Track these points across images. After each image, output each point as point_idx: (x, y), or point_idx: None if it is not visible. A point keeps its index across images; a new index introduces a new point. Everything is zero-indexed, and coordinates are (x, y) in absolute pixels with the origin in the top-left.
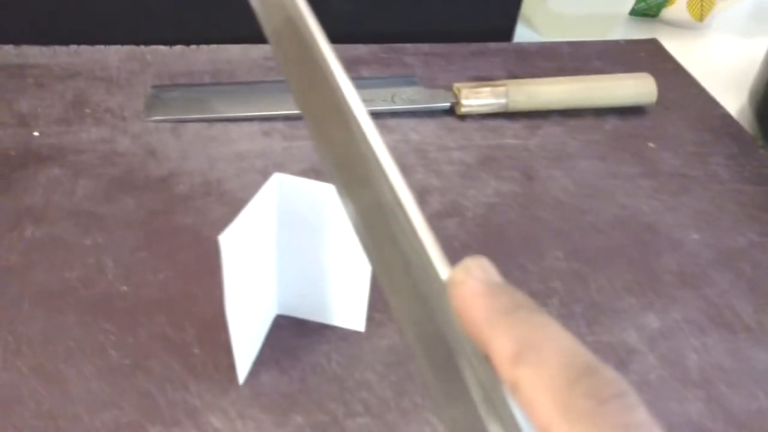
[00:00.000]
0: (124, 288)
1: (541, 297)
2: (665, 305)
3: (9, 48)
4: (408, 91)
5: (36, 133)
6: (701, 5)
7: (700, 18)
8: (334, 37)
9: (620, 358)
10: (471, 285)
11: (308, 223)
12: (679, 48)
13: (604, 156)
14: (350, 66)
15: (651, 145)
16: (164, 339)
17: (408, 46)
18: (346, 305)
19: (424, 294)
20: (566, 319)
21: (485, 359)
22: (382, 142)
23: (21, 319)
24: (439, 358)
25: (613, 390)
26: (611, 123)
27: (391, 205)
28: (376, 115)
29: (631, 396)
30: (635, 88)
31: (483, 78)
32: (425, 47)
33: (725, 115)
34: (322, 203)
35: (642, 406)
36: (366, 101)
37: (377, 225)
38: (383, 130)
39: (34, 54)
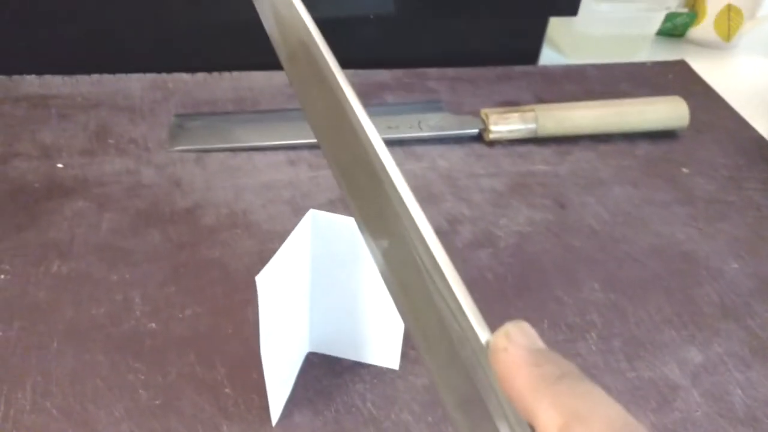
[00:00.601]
0: (153, 325)
1: (579, 331)
2: (707, 338)
3: (32, 78)
4: (435, 118)
5: (60, 165)
6: (728, 25)
7: (728, 38)
8: (358, 63)
9: (663, 395)
10: (514, 352)
11: (341, 259)
12: (706, 68)
13: (636, 182)
14: (374, 91)
15: (684, 170)
16: (195, 378)
17: (432, 70)
18: (380, 342)
19: (461, 356)
20: (605, 354)
21: (528, 426)
22: (407, 188)
23: (50, 358)
24: (477, 421)
25: None
26: (643, 148)
27: (425, 263)
28: (402, 142)
29: None
30: (667, 111)
31: (509, 102)
32: (450, 72)
33: (759, 138)
34: (356, 239)
35: None
36: (392, 128)
37: (411, 284)
38: (410, 157)
39: (57, 84)
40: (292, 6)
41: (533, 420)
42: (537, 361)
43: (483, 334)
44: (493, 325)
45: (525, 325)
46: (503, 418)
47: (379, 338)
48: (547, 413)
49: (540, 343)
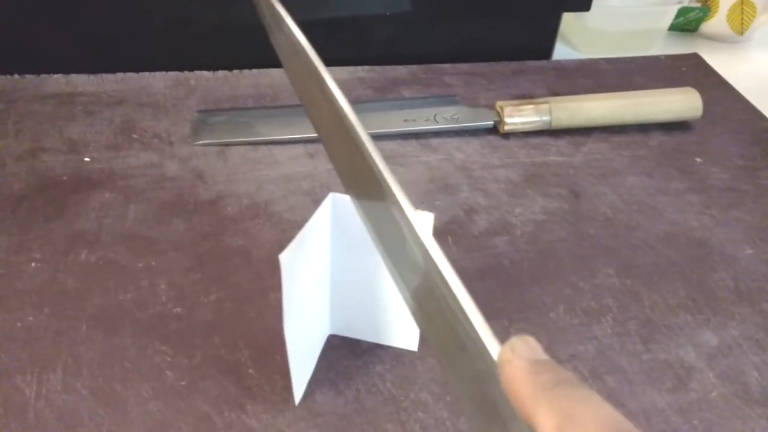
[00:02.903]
0: (178, 310)
1: (595, 315)
2: (722, 321)
3: (59, 77)
4: (450, 111)
5: (87, 159)
6: (741, 18)
7: (741, 31)
8: (376, 59)
9: (679, 376)
10: (517, 363)
11: (361, 242)
12: (719, 62)
13: (650, 172)
14: (391, 86)
15: (698, 159)
16: (219, 360)
17: (447, 66)
18: (399, 325)
19: (479, 372)
20: (621, 336)
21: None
22: (413, 212)
23: (79, 342)
24: (492, 424)
25: None
26: (656, 138)
27: (440, 288)
28: (419, 135)
29: None
30: (680, 103)
31: (524, 96)
32: (465, 67)
33: None
34: None
35: None
36: (408, 121)
37: (427, 306)
38: (427, 149)
39: (83, 82)
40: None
41: (533, 423)
42: (537, 370)
43: (495, 349)
44: (507, 311)
45: (529, 339)
46: (516, 426)
47: (398, 321)
48: (544, 416)
49: (542, 355)
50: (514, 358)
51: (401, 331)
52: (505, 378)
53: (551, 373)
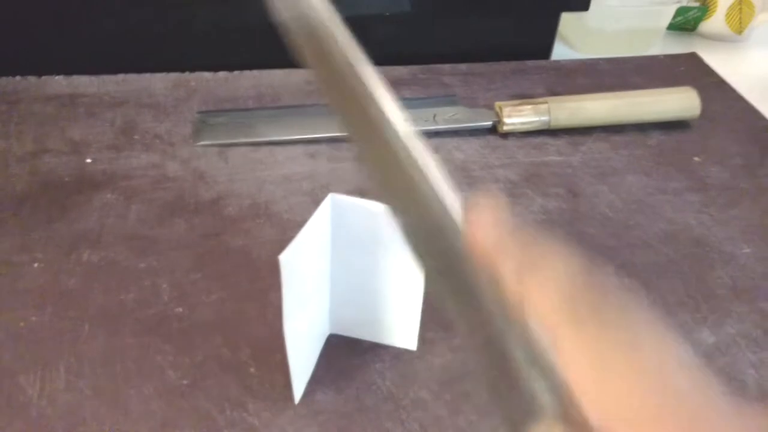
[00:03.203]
0: (180, 309)
1: None
2: (720, 320)
3: (60, 78)
4: (449, 111)
5: (89, 160)
6: (740, 18)
7: (739, 31)
8: (375, 59)
9: None
10: (482, 215)
11: (361, 242)
12: (718, 61)
13: (649, 171)
14: (390, 87)
15: (696, 159)
16: (220, 359)
17: (446, 66)
18: (399, 324)
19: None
20: None
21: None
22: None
23: (82, 341)
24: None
25: (612, 295)
26: (655, 138)
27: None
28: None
29: (631, 302)
30: (678, 102)
31: (523, 96)
32: (464, 67)
33: None
34: (376, 222)
35: (642, 310)
36: (407, 121)
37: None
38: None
39: (84, 83)
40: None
41: (497, 272)
42: (500, 222)
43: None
44: None
45: (494, 197)
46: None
47: (397, 320)
48: (507, 262)
49: (506, 209)
50: (479, 207)
51: (400, 330)
52: (469, 236)
53: (513, 223)
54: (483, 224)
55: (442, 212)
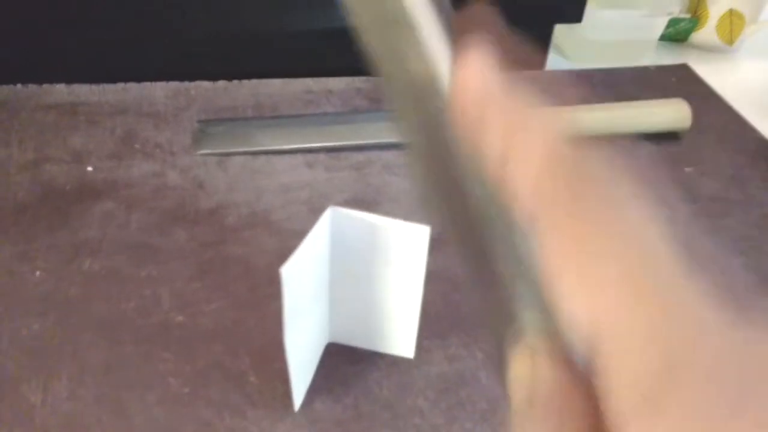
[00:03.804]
0: (180, 318)
1: None
2: None
3: (61, 87)
4: None
5: (89, 168)
6: (731, 29)
7: (730, 42)
8: (370, 70)
9: None
10: (469, 75)
11: (360, 253)
12: (709, 72)
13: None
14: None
15: (687, 170)
16: (221, 367)
17: None
18: (396, 333)
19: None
20: None
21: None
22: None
23: (84, 349)
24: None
25: (591, 179)
26: (646, 149)
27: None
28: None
29: (611, 184)
30: (669, 114)
31: None
32: None
33: (761, 139)
34: (374, 234)
35: (627, 187)
36: (387, 133)
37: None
38: None
39: (85, 92)
40: None
41: (479, 137)
42: (488, 80)
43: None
44: None
45: (486, 50)
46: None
47: (395, 329)
48: (489, 128)
49: (498, 70)
50: (468, 66)
51: (398, 338)
52: (454, 87)
53: (504, 81)
54: (470, 80)
55: (430, 67)
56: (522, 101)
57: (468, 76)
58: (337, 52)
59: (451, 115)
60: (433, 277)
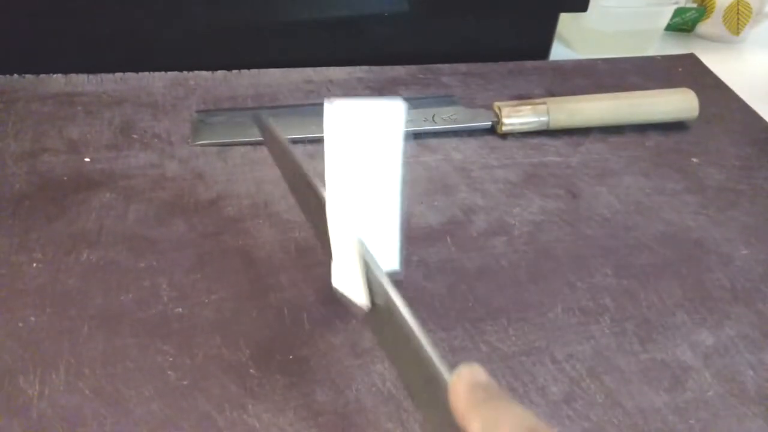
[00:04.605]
0: (179, 310)
1: (593, 314)
2: (718, 321)
3: (58, 77)
4: (449, 111)
5: (87, 159)
6: (737, 19)
7: (737, 32)
8: (374, 59)
9: (675, 376)
10: (459, 385)
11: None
12: (715, 62)
13: (647, 172)
14: (389, 87)
15: (694, 160)
16: (221, 360)
17: (445, 66)
18: (378, 244)
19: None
20: (618, 336)
21: None
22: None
23: (82, 342)
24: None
25: None
26: (653, 139)
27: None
28: (417, 136)
29: None
30: (677, 103)
31: (521, 96)
32: (462, 67)
33: None
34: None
35: None
36: (407, 121)
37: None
38: (425, 150)
39: (82, 82)
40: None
41: (468, 431)
42: (472, 389)
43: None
44: (506, 311)
45: (474, 366)
46: None
47: (376, 240)
48: (473, 423)
49: (483, 377)
50: (458, 381)
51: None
52: (451, 397)
53: (484, 391)
54: (459, 391)
55: (436, 376)
56: (499, 401)
57: (460, 383)
58: (338, 42)
59: (449, 402)
60: (437, 269)
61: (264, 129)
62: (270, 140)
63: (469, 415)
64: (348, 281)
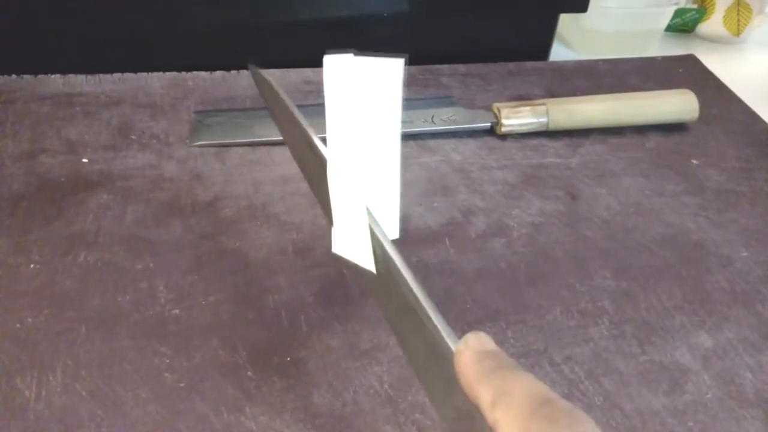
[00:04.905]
0: (176, 311)
1: (591, 317)
2: (717, 323)
3: (56, 77)
4: (448, 112)
5: (85, 160)
6: (738, 20)
7: (737, 32)
8: None
9: (674, 378)
10: (467, 354)
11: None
12: (716, 63)
13: (647, 173)
14: None
15: (694, 161)
16: (218, 362)
17: (444, 67)
18: (379, 211)
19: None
20: (617, 338)
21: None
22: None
23: (78, 343)
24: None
25: (564, 413)
26: (653, 140)
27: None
28: (416, 136)
29: (581, 417)
30: (677, 104)
31: (521, 97)
32: (462, 68)
33: None
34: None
35: (590, 423)
36: (406, 122)
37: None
38: (425, 150)
39: (81, 83)
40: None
41: (478, 402)
42: (481, 358)
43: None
44: (504, 313)
45: (481, 334)
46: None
47: (377, 205)
48: (484, 393)
49: (491, 346)
50: (465, 349)
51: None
52: (457, 366)
53: (493, 359)
54: (467, 360)
55: (443, 348)
56: (508, 369)
57: (467, 352)
58: (337, 43)
59: (455, 371)
60: (435, 271)
61: (261, 84)
62: (269, 98)
63: (479, 385)
64: (352, 246)
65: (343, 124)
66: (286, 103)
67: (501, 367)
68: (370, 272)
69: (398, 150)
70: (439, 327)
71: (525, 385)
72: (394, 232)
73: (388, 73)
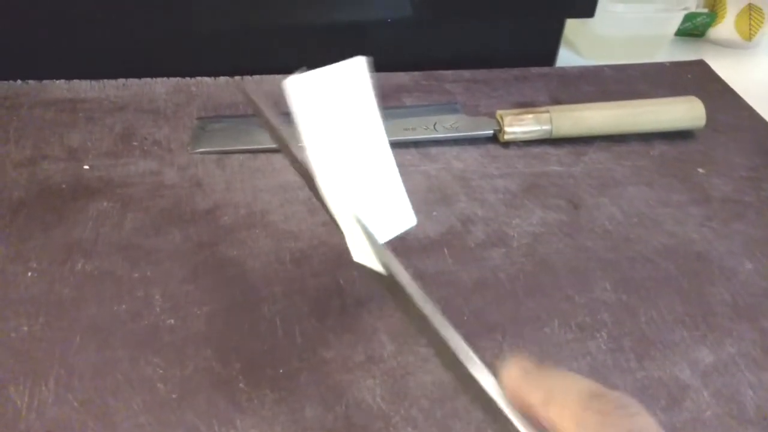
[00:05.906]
0: (172, 321)
1: (590, 330)
2: (719, 338)
3: (61, 83)
4: (450, 119)
5: (86, 167)
6: (749, 24)
7: (749, 37)
8: (377, 66)
9: (672, 395)
10: (512, 370)
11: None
12: (726, 68)
13: (651, 182)
14: (392, 94)
15: (700, 170)
16: (211, 373)
17: (449, 73)
18: (388, 207)
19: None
20: (615, 353)
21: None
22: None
23: (72, 353)
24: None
25: (616, 405)
26: (658, 148)
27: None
28: (418, 144)
29: (633, 407)
30: (683, 112)
31: (526, 103)
32: (466, 74)
33: None
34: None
35: (643, 414)
36: (408, 130)
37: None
38: (426, 158)
39: (84, 88)
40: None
41: (528, 405)
42: (527, 370)
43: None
44: (501, 325)
45: (522, 357)
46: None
47: (385, 204)
48: (534, 396)
49: (532, 364)
50: (511, 366)
51: (393, 212)
52: (504, 383)
53: (536, 369)
54: (514, 376)
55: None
56: (553, 375)
57: (512, 370)
58: (341, 49)
59: (502, 387)
60: (432, 281)
61: (251, 103)
62: (258, 115)
63: (528, 391)
64: (362, 253)
65: (322, 140)
66: (273, 125)
67: (546, 373)
68: (386, 276)
69: (386, 141)
70: (440, 331)
71: (574, 383)
72: (411, 220)
73: (354, 74)
